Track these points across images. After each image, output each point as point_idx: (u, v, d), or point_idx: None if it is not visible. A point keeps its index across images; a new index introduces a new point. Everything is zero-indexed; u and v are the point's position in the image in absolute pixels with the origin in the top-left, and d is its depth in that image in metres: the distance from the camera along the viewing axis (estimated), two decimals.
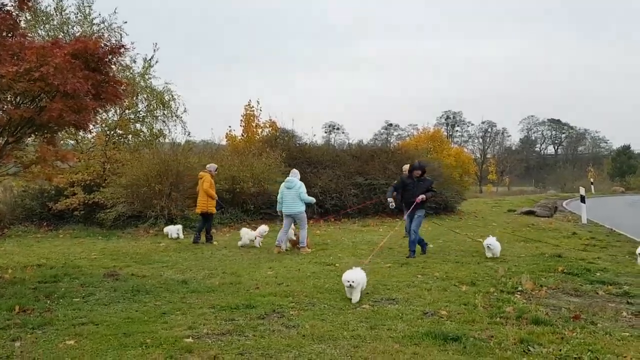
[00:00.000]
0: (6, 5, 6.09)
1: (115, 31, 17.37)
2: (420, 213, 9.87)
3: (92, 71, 6.47)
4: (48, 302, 6.33)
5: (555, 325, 5.10)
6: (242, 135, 25.27)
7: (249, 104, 25.23)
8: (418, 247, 9.98)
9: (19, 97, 6.26)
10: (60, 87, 5.78)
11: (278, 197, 10.92)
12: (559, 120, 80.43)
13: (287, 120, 61.64)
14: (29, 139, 6.97)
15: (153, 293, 6.78)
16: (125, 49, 6.89)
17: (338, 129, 79.36)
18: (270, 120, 25.63)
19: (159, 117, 18.48)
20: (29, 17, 15.33)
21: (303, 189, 10.63)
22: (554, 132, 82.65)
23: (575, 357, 4.21)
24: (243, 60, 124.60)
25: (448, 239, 12.45)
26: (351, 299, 6.23)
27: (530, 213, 19.91)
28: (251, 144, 22.75)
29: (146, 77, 17.60)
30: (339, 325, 5.27)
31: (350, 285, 6.22)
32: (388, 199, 10.24)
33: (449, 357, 4.26)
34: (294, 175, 10.86)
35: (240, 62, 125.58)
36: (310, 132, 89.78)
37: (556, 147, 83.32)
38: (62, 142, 15.93)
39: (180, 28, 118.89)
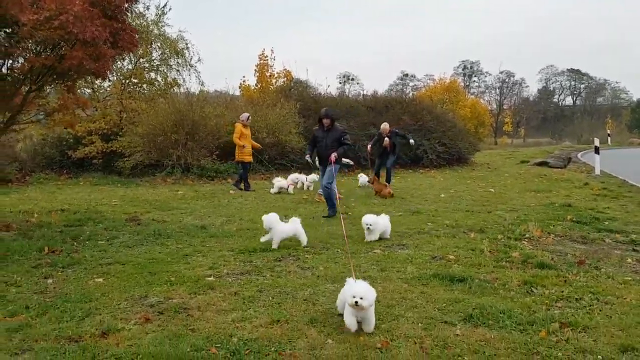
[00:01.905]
0: None
1: None
2: (331, 167, 8.84)
3: (109, 19, 6.54)
4: (75, 244, 6.69)
5: (559, 269, 5.30)
6: (256, 86, 25.19)
7: (262, 53, 25.02)
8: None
9: (39, 46, 6.37)
10: (80, 35, 5.89)
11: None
12: (578, 70, 78.18)
13: (301, 70, 60.94)
14: (49, 87, 7.10)
15: (174, 237, 7.09)
16: None
17: (353, 79, 78.13)
18: (285, 69, 25.48)
19: (173, 66, 18.46)
20: None
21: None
22: (573, 83, 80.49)
23: (576, 298, 4.42)
24: (256, 10, 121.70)
25: (460, 189, 12.60)
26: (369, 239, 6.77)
27: (543, 164, 19.89)
28: (265, 94, 22.73)
29: (159, 24, 17.48)
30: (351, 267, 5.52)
31: (368, 228, 6.70)
32: (307, 158, 9.30)
33: (454, 295, 4.50)
34: None
35: (252, 13, 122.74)
36: (325, 83, 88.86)
37: (574, 98, 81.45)
38: (78, 91, 16.08)
39: None
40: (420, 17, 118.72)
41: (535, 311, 4.11)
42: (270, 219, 6.46)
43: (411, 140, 12.94)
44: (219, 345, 3.49)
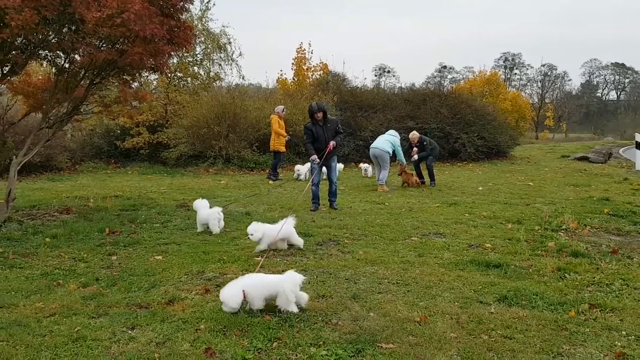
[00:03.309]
0: None
1: None
2: (335, 161, 8.94)
3: (166, 17, 6.99)
4: (132, 226, 7.22)
5: (592, 258, 5.47)
6: (293, 79, 25.62)
7: (300, 47, 25.40)
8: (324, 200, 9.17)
9: (101, 42, 6.88)
10: (140, 33, 6.34)
11: None
12: (623, 64, 75.56)
13: (337, 63, 61.14)
14: (109, 81, 7.64)
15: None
16: None
17: (389, 72, 77.85)
18: (322, 63, 25.82)
19: (216, 61, 19.04)
20: None
21: (399, 142, 11.61)
22: (617, 77, 77.90)
23: (607, 284, 4.61)
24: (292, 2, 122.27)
25: (498, 182, 12.66)
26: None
27: (583, 159, 19.58)
28: (302, 87, 23.12)
29: (204, 20, 18.05)
30: (390, 252, 5.82)
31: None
32: (312, 158, 8.71)
33: (490, 279, 4.75)
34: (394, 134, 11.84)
35: (288, 4, 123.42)
36: (361, 76, 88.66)
37: (619, 93, 78.80)
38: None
39: None
40: (462, 10, 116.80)
41: (567, 294, 4.33)
42: (197, 204, 6.91)
43: (414, 157, 12.34)
44: (271, 313, 3.87)
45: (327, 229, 7.08)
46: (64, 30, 6.80)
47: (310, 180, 8.83)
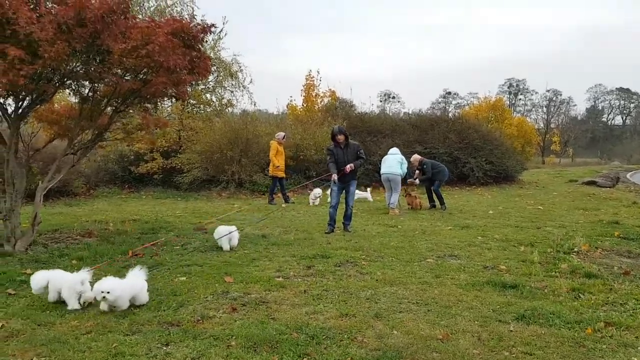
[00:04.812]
0: None
1: (187, 4, 18.40)
2: (354, 185, 9.15)
3: (187, 48, 7.31)
4: (154, 248, 7.41)
5: (605, 279, 5.60)
6: (303, 105, 26.11)
7: (309, 74, 25.97)
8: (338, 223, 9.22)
9: (126, 72, 7.19)
10: (164, 63, 6.65)
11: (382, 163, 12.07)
12: (628, 89, 76.09)
13: (344, 89, 62.08)
14: (132, 109, 7.93)
15: (239, 244, 7.72)
16: (215, 27, 7.67)
17: (394, 97, 78.78)
18: (329, 89, 26.37)
19: (227, 88, 19.49)
20: None
21: (404, 158, 11.97)
22: (622, 102, 78.38)
23: (621, 303, 4.74)
24: (294, 26, 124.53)
25: (508, 206, 12.81)
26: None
27: (591, 183, 19.72)
28: (311, 112, 23.55)
29: (216, 49, 18.54)
30: (407, 274, 5.97)
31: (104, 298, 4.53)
32: (334, 178, 8.88)
33: (507, 299, 4.89)
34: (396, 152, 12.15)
35: (290, 29, 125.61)
36: (368, 102, 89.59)
37: (624, 118, 79.17)
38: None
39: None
40: (465, 35, 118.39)
41: (582, 313, 4.46)
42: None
43: (417, 181, 12.80)
44: (298, 330, 4.03)
45: (344, 251, 7.24)
46: (91, 61, 7.12)
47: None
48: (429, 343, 3.83)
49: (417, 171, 12.71)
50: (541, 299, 4.90)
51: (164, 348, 3.76)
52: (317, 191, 13.61)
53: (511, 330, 4.08)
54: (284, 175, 13.91)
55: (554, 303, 4.76)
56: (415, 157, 12.96)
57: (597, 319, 4.28)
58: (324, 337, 3.93)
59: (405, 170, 11.93)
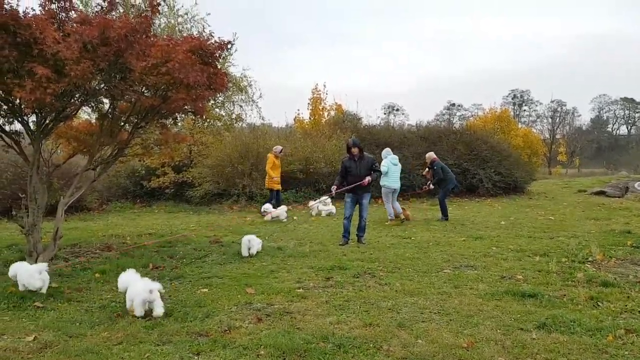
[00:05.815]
0: (146, 10, 7.20)
1: (197, 22, 18.72)
2: (367, 198, 9.15)
3: (205, 65, 7.49)
4: (173, 261, 7.54)
5: (622, 287, 5.67)
6: (310, 118, 26.35)
7: (315, 88, 26.23)
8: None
9: (147, 89, 7.37)
10: (184, 80, 6.82)
11: (383, 169, 11.84)
12: (632, 99, 76.06)
13: (351, 102, 62.49)
14: (151, 125, 8.11)
15: (256, 256, 7.82)
16: (231, 44, 7.86)
17: (397, 110, 79.12)
18: (336, 103, 26.63)
19: (237, 102, 19.72)
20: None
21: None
22: (627, 112, 78.35)
23: (639, 311, 4.81)
24: (299, 39, 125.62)
25: (519, 216, 12.84)
26: None
27: (600, 193, 19.69)
28: (318, 126, 23.77)
29: (225, 65, 18.79)
30: (426, 284, 6.05)
31: None
32: (333, 190, 9.26)
33: (527, 308, 4.97)
34: (389, 154, 12.30)
35: (294, 42, 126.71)
36: (374, 114, 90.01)
37: (629, 128, 79.05)
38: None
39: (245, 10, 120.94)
40: (468, 46, 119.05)
41: (602, 320, 4.54)
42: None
43: (431, 185, 13.31)
44: (325, 340, 4.12)
45: (360, 262, 7.33)
46: (112, 79, 7.32)
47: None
48: (454, 351, 3.91)
49: (427, 169, 12.86)
50: (560, 308, 4.97)
51: (196, 357, 3.87)
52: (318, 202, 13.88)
53: (534, 338, 4.15)
54: (280, 187, 14.19)
55: (573, 311, 4.84)
56: (431, 154, 13.14)
57: (617, 326, 4.35)
58: (350, 346, 4.02)
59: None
